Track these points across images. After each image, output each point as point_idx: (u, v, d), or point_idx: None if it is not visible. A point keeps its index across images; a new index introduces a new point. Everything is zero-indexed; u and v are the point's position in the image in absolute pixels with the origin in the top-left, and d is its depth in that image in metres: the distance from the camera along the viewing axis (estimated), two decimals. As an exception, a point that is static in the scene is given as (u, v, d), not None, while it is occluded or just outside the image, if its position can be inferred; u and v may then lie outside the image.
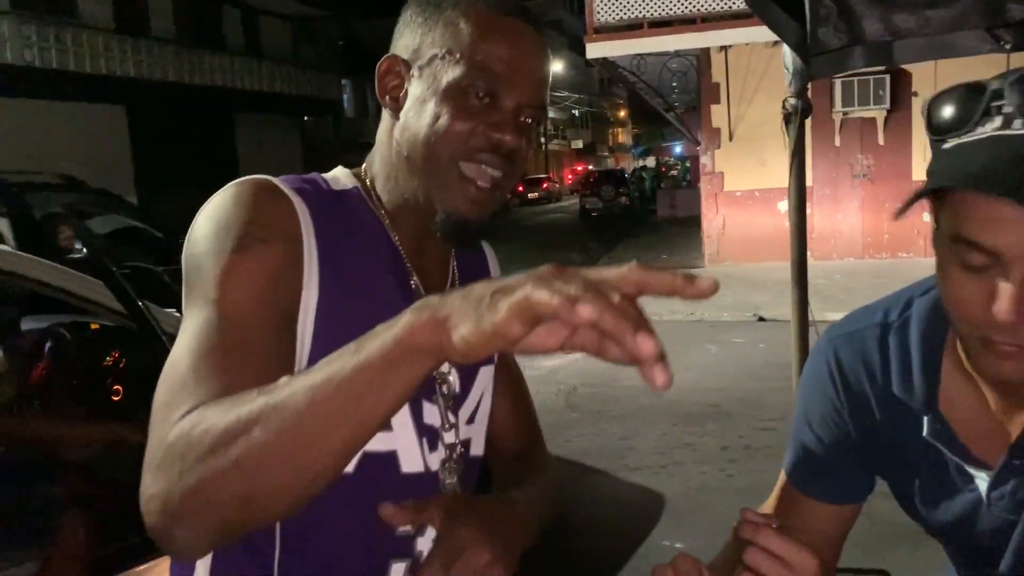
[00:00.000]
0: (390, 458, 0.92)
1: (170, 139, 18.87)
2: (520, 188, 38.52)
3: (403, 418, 0.92)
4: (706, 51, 11.51)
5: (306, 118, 25.05)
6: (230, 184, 0.88)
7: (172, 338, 2.58)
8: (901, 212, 0.86)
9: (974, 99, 0.83)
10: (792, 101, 2.13)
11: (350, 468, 0.87)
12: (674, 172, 37.39)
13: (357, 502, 0.89)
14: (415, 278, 0.96)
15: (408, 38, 0.94)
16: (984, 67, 1.28)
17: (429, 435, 0.95)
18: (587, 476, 4.50)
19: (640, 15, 10.73)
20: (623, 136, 61.29)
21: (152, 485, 0.69)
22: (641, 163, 45.89)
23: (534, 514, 0.98)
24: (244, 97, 21.36)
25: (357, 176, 0.99)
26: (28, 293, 3.02)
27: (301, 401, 0.64)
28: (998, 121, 0.81)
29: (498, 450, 1.11)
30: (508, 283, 0.58)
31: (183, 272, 0.86)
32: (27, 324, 3.10)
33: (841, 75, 7.87)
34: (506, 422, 1.11)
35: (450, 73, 0.89)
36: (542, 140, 46.45)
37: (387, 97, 0.94)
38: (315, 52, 25.75)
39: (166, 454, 0.69)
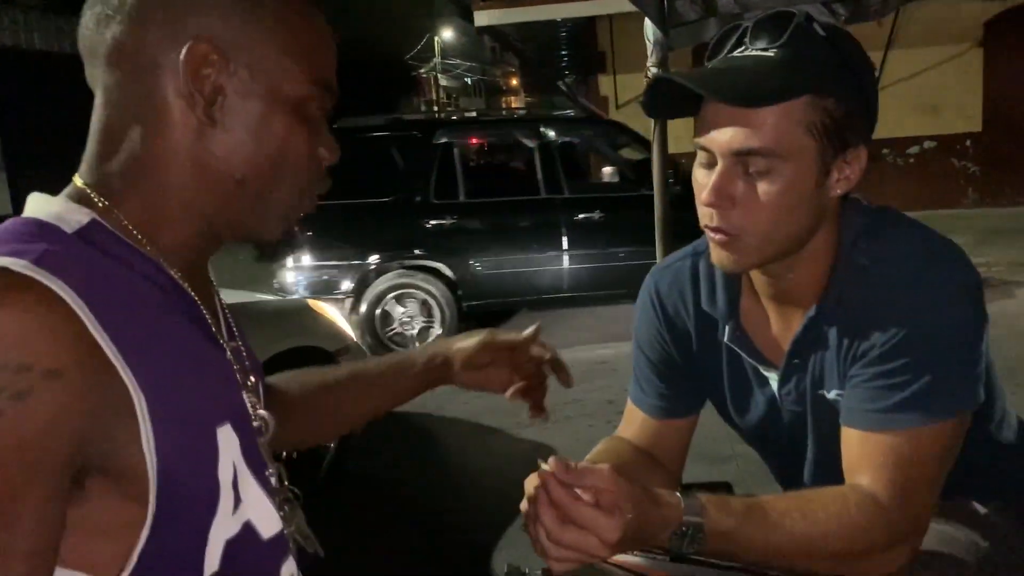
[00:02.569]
0: (249, 532, 0.79)
1: (42, 112, 17.84)
2: (414, 158, 38.11)
3: (247, 481, 0.79)
4: (592, 20, 11.70)
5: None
6: None
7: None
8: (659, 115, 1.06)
9: (731, 33, 1.03)
10: (654, 71, 2.29)
11: (215, 566, 0.74)
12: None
13: None
14: (203, 309, 0.80)
15: (218, 18, 0.73)
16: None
17: (269, 486, 0.84)
18: (483, 435, 4.66)
19: (527, -17, 10.80)
20: (517, 103, 61.52)
21: None
22: (534, 131, 46.13)
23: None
24: None
25: (83, 201, 0.75)
26: None
27: None
28: (740, 48, 1.01)
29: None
30: None
31: None
32: None
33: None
34: None
35: (296, 84, 0.76)
36: (434, 108, 46.13)
37: (198, 96, 0.73)
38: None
39: None
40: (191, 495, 0.72)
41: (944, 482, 1.02)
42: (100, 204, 0.74)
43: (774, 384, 1.15)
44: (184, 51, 0.72)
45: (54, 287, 0.62)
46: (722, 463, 3.26)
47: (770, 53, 0.98)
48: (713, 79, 1.00)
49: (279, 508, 0.84)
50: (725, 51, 1.02)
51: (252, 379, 0.88)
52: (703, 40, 2.30)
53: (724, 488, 1.41)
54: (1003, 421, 1.18)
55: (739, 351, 1.15)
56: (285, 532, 0.85)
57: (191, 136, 0.74)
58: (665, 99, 1.04)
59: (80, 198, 0.75)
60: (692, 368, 1.23)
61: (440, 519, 3.64)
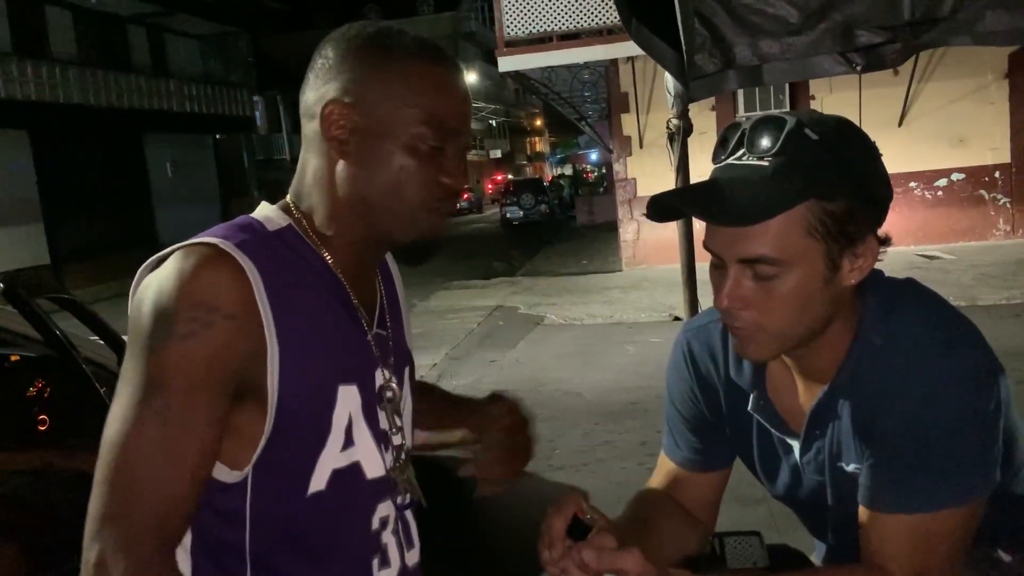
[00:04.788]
0: (356, 469, 1.01)
1: (77, 163, 18.32)
2: (440, 200, 38.39)
3: (362, 430, 1.02)
4: (614, 62, 11.85)
5: (218, 136, 24.61)
6: (177, 255, 0.92)
7: (95, 366, 2.59)
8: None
9: (732, 132, 1.04)
10: (675, 122, 2.34)
11: (322, 486, 0.98)
12: (589, 178, 38.01)
13: (333, 515, 1.00)
14: (355, 300, 1.03)
15: (350, 81, 0.97)
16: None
17: (384, 440, 1.06)
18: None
19: (549, 28, 11.00)
20: (540, 145, 61.98)
21: None
22: (559, 171, 46.51)
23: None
24: (153, 117, 20.86)
25: (286, 211, 1.02)
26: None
27: None
28: (740, 150, 1.02)
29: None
30: None
31: (128, 335, 0.92)
32: (-54, 359, 3.08)
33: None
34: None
35: (410, 126, 0.96)
36: (460, 151, 46.25)
37: (333, 140, 0.98)
38: (225, 69, 25.33)
39: None
40: (303, 426, 0.95)
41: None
42: (296, 214, 1.02)
43: (796, 453, 1.17)
44: (322, 112, 0.97)
45: (241, 262, 0.91)
46: (755, 505, 3.25)
47: (764, 163, 0.98)
48: (707, 198, 1.02)
49: (395, 460, 1.07)
50: (728, 152, 1.03)
51: (393, 360, 1.09)
52: (722, 91, 2.36)
53: (754, 537, 1.43)
54: None
55: (763, 421, 1.18)
56: (391, 478, 1.06)
57: (329, 166, 0.99)
58: (668, 206, 1.05)
59: (284, 208, 1.03)
60: (723, 427, 1.26)
61: (466, 561, 3.64)
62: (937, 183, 11.64)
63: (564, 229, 22.54)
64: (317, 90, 0.99)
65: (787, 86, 11.62)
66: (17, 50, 17.21)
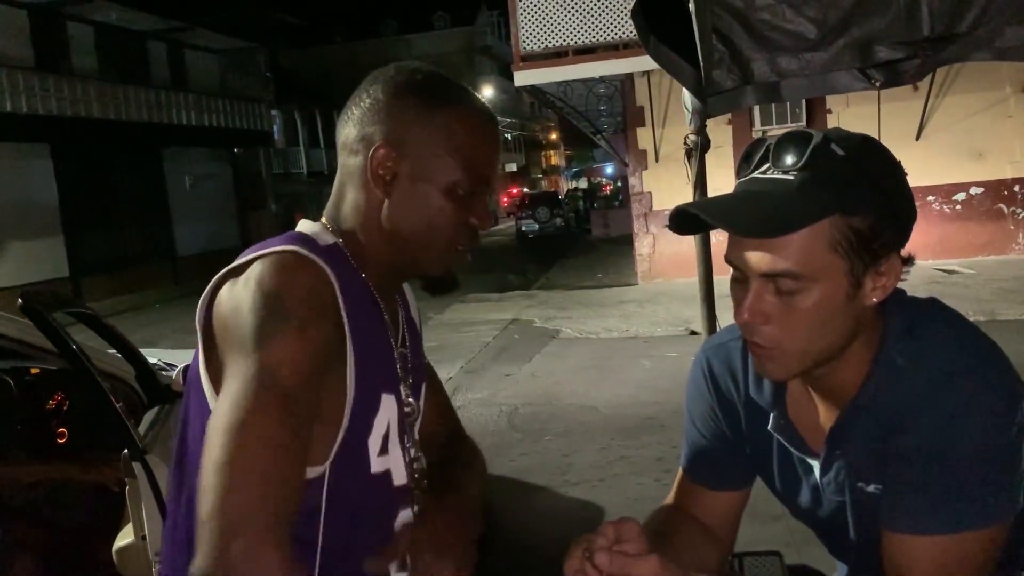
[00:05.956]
0: (387, 477, 1.09)
1: (97, 176, 18.50)
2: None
3: (394, 439, 1.10)
4: (630, 76, 11.88)
5: (236, 150, 24.82)
6: (273, 259, 0.97)
7: (112, 379, 2.62)
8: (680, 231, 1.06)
9: (758, 147, 1.04)
10: (692, 138, 2.34)
11: (377, 470, 1.07)
12: (605, 191, 38.04)
13: (372, 515, 1.08)
14: (384, 310, 1.11)
15: (397, 126, 1.05)
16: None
17: (407, 451, 1.13)
18: (529, 493, 4.64)
19: (564, 43, 11.04)
20: (556, 158, 62.09)
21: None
22: (574, 184, 46.55)
23: (478, 501, 1.19)
24: (172, 131, 21.06)
25: (332, 232, 1.10)
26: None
27: None
28: (765, 165, 1.01)
29: (432, 438, 1.26)
30: None
31: (221, 333, 0.97)
32: (-33, 372, 3.11)
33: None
34: (438, 417, 1.29)
35: (449, 173, 1.06)
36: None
37: (379, 180, 1.06)
38: (243, 83, 25.57)
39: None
40: (360, 425, 1.03)
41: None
42: (337, 235, 1.09)
43: (816, 473, 1.16)
44: (370, 154, 1.05)
45: (325, 268, 0.98)
46: (772, 522, 3.22)
47: (789, 176, 0.98)
48: (731, 209, 1.02)
49: (414, 471, 1.13)
50: (752, 167, 1.03)
51: (412, 379, 1.16)
52: (740, 107, 2.35)
53: (775, 557, 1.42)
54: None
55: (783, 441, 1.17)
56: (411, 489, 1.13)
57: (377, 204, 1.07)
58: (691, 218, 1.04)
59: (330, 229, 1.10)
60: (743, 446, 1.25)
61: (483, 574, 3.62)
62: (955, 197, 11.56)
63: (579, 242, 22.55)
64: (363, 128, 1.07)
65: (804, 101, 11.60)
66: (40, 65, 17.46)
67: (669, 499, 1.35)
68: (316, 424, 0.95)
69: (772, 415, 1.16)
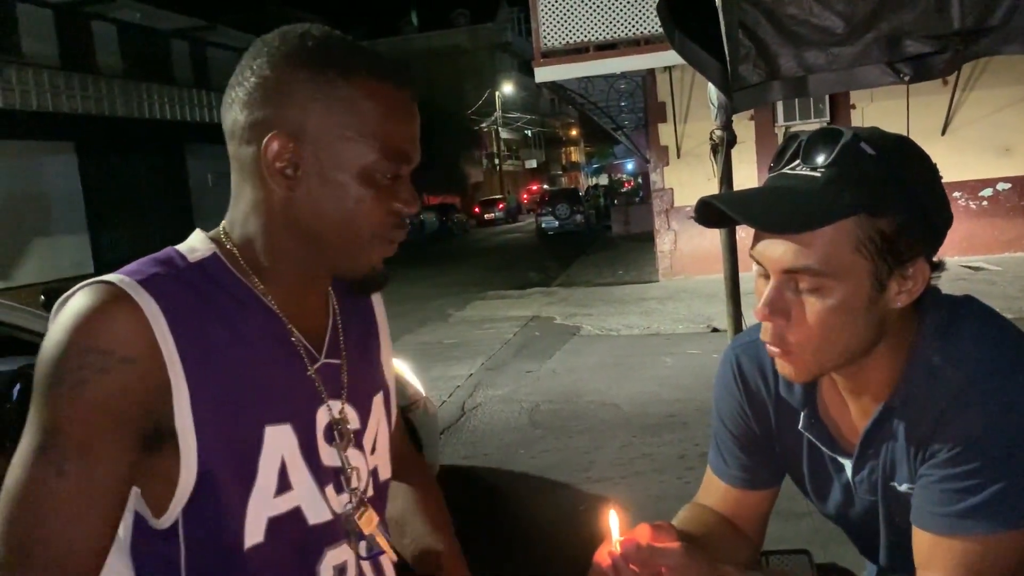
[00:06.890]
0: (295, 515, 0.94)
1: (121, 174, 18.73)
2: (476, 209, 38.78)
3: (300, 472, 0.94)
4: (651, 72, 11.83)
5: (258, 147, 24.96)
6: (77, 296, 0.86)
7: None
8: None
9: (790, 143, 1.03)
10: (719, 133, 2.32)
11: (259, 537, 0.91)
12: (626, 187, 37.96)
13: (272, 566, 0.93)
14: (293, 330, 0.96)
15: (291, 110, 0.89)
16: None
17: (333, 479, 0.98)
18: (551, 490, 4.64)
19: (586, 39, 11.01)
20: (576, 155, 62.00)
21: None
22: (595, 180, 46.48)
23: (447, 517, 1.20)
24: (194, 128, 21.29)
25: (216, 240, 0.96)
26: (-2, 337, 3.07)
27: None
28: (795, 161, 1.01)
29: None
30: None
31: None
32: (-2, 367, 3.15)
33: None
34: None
35: (362, 156, 0.90)
36: (495, 161, 46.96)
37: (277, 174, 0.90)
38: (265, 81, 25.72)
39: None
40: (227, 471, 0.89)
41: None
42: (227, 244, 0.95)
43: (848, 472, 1.15)
44: (263, 143, 0.89)
45: (140, 301, 0.85)
46: (797, 520, 3.20)
47: (817, 174, 0.97)
48: (755, 204, 1.01)
49: (350, 501, 0.99)
50: (783, 162, 1.02)
51: (348, 392, 1.01)
52: (766, 102, 2.34)
53: (803, 556, 1.41)
54: None
55: (814, 440, 1.16)
56: (341, 523, 0.98)
57: (280, 201, 0.92)
58: (715, 210, 1.03)
59: (215, 236, 0.97)
60: (772, 444, 1.24)
61: (503, 570, 3.63)
62: (982, 193, 11.42)
63: (600, 239, 22.49)
64: (251, 113, 0.90)
65: (827, 96, 11.50)
66: (65, 64, 17.68)
67: (697, 497, 1.34)
68: (149, 477, 0.87)
69: (803, 414, 1.15)
